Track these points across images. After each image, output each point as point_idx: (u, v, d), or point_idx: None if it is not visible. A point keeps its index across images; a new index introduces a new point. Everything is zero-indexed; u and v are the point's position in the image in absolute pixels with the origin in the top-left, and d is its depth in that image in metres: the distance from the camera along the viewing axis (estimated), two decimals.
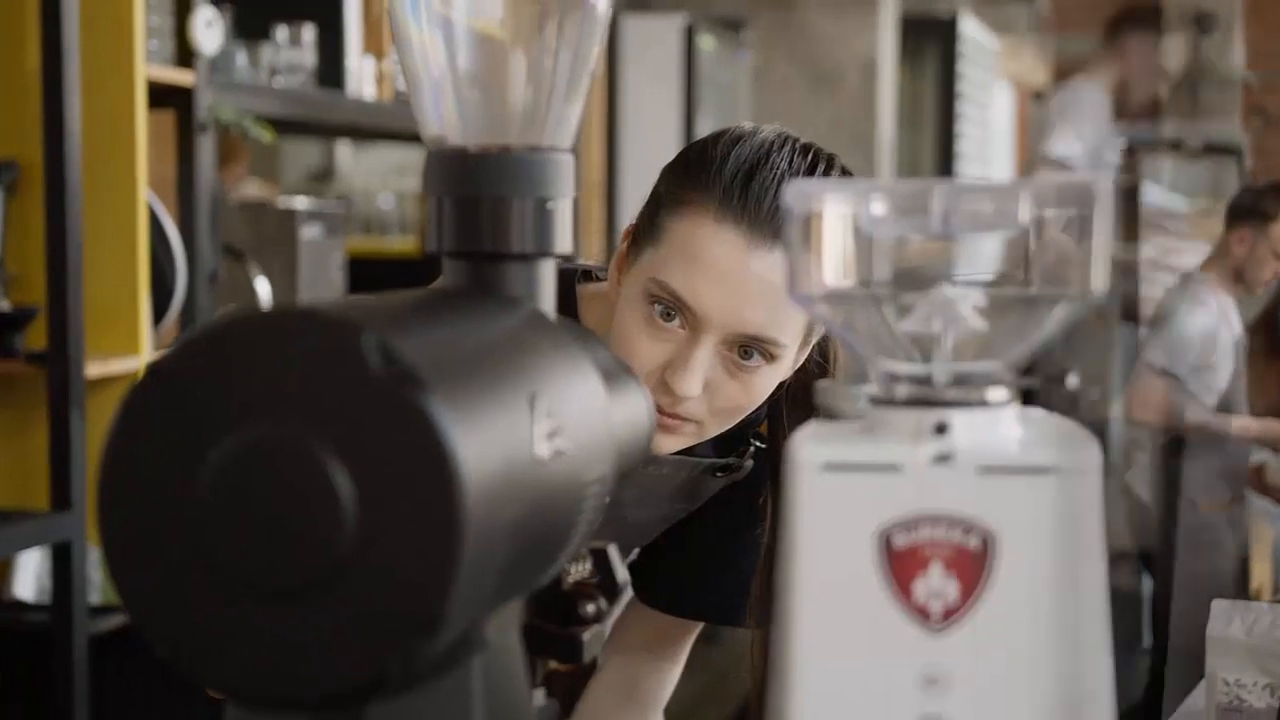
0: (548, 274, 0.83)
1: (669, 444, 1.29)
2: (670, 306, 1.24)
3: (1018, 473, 0.67)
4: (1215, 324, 4.31)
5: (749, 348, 1.24)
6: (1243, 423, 4.40)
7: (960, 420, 0.69)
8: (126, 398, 0.63)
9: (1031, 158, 4.48)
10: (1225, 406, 4.41)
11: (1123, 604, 4.01)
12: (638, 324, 1.25)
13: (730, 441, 1.40)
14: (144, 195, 2.53)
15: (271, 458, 0.62)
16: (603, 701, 1.51)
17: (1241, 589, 4.44)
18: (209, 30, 2.66)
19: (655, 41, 5.17)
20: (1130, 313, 4.89)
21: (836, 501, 0.68)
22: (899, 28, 6.09)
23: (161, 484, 0.63)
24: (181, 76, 2.67)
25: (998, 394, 0.71)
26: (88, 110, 2.45)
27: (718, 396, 1.26)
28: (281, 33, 3.08)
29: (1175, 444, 4.44)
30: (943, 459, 0.68)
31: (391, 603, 0.61)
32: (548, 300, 0.83)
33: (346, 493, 0.61)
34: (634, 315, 1.25)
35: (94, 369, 2.45)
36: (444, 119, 0.83)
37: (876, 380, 0.73)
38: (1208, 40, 4.62)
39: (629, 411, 0.85)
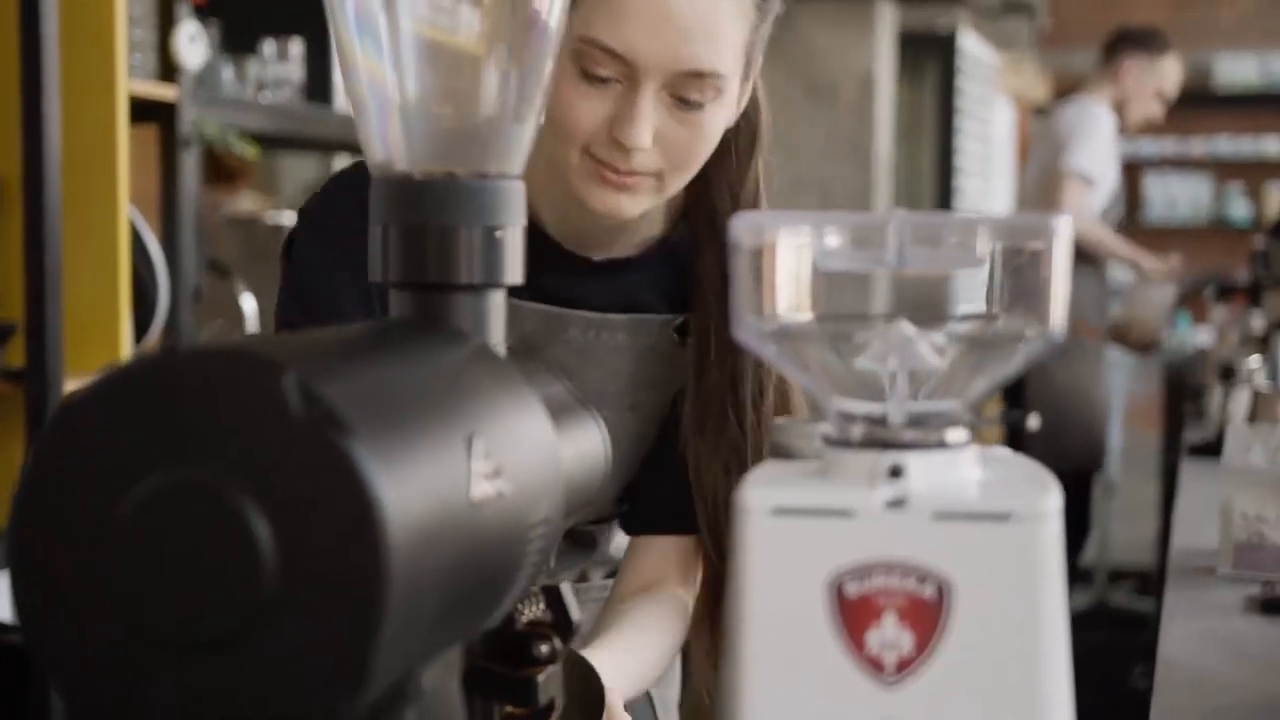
0: (497, 305, 0.80)
1: (630, 204, 1.26)
2: (601, 63, 1.20)
3: (975, 519, 0.65)
4: (1110, 138, 4.49)
5: (690, 90, 1.21)
6: (1119, 245, 4.59)
7: (916, 463, 0.66)
8: (39, 437, 0.60)
9: (1046, 173, 4.46)
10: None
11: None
12: (571, 88, 1.21)
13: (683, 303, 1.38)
14: (126, 211, 2.50)
15: (187, 502, 0.59)
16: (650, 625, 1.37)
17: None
18: (192, 45, 2.64)
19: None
20: (1120, 336, 4.89)
21: (787, 548, 0.66)
22: (897, 43, 6.07)
23: (74, 529, 0.60)
24: (164, 91, 2.64)
25: (956, 435, 0.68)
26: (69, 125, 2.42)
27: (671, 146, 1.23)
28: (269, 47, 3.06)
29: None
30: (897, 504, 0.65)
31: (313, 655, 0.58)
32: (496, 332, 0.80)
33: (265, 540, 0.58)
34: (566, 82, 1.22)
35: (73, 386, 2.42)
36: (389, 144, 0.81)
37: (831, 420, 0.70)
38: None
39: (580, 446, 0.82)
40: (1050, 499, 0.65)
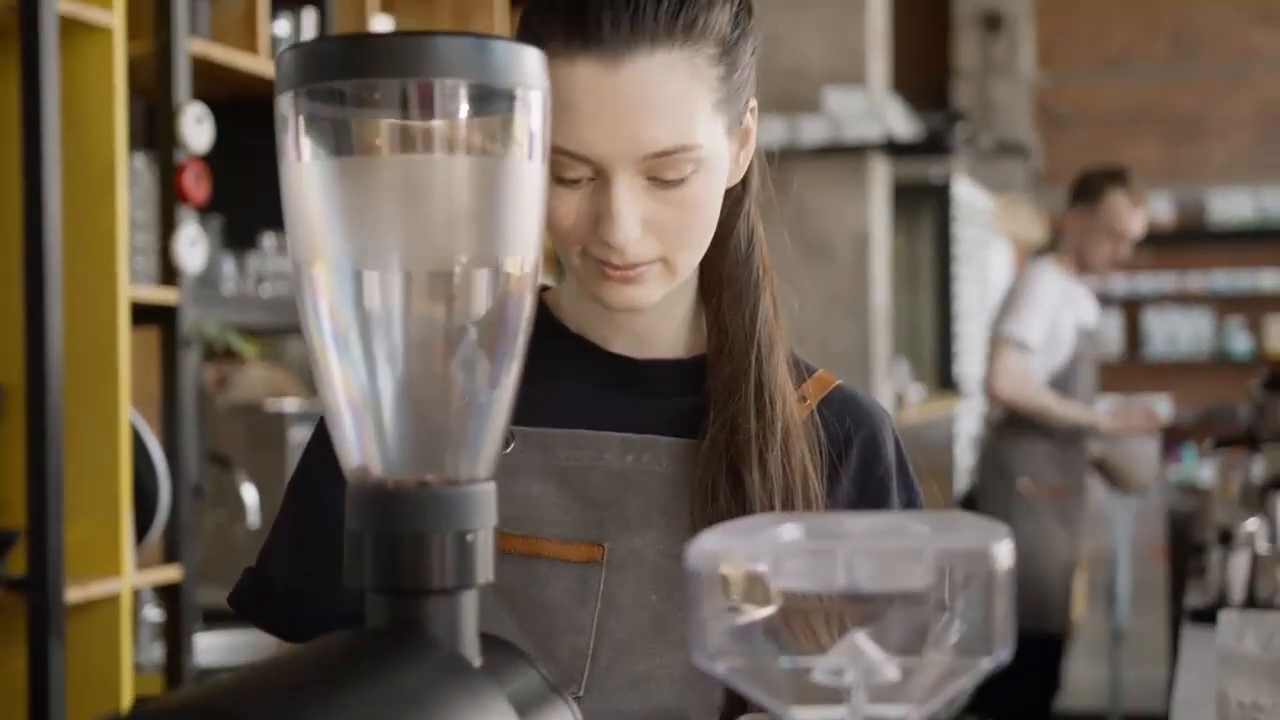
0: (469, 606, 0.82)
1: (642, 295, 1.20)
2: (568, 166, 1.14)
3: None
4: (1058, 303, 4.43)
5: (665, 170, 1.14)
6: (1065, 410, 4.40)
7: None
8: None
9: (993, 335, 4.48)
10: (1059, 391, 4.49)
11: None
12: (552, 195, 1.15)
13: None
14: (127, 415, 2.53)
15: None
16: None
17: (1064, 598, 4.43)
18: (193, 248, 2.69)
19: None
20: (1108, 477, 4.87)
21: None
22: (892, 197, 6.15)
23: None
24: (166, 295, 2.69)
25: None
26: (71, 332, 2.46)
27: (664, 229, 1.16)
28: (268, 240, 3.12)
29: (1007, 422, 4.47)
30: None
31: None
32: (469, 631, 0.82)
33: None
34: (548, 191, 1.21)
35: (75, 594, 2.44)
36: (364, 452, 0.83)
37: None
38: None
39: None
40: None
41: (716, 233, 1.23)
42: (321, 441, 1.32)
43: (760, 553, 0.71)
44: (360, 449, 0.84)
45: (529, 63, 0.81)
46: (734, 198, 1.27)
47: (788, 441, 1.23)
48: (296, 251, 0.82)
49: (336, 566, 1.06)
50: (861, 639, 0.71)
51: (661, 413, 1.27)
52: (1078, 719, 6.13)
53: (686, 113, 1.14)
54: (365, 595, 0.82)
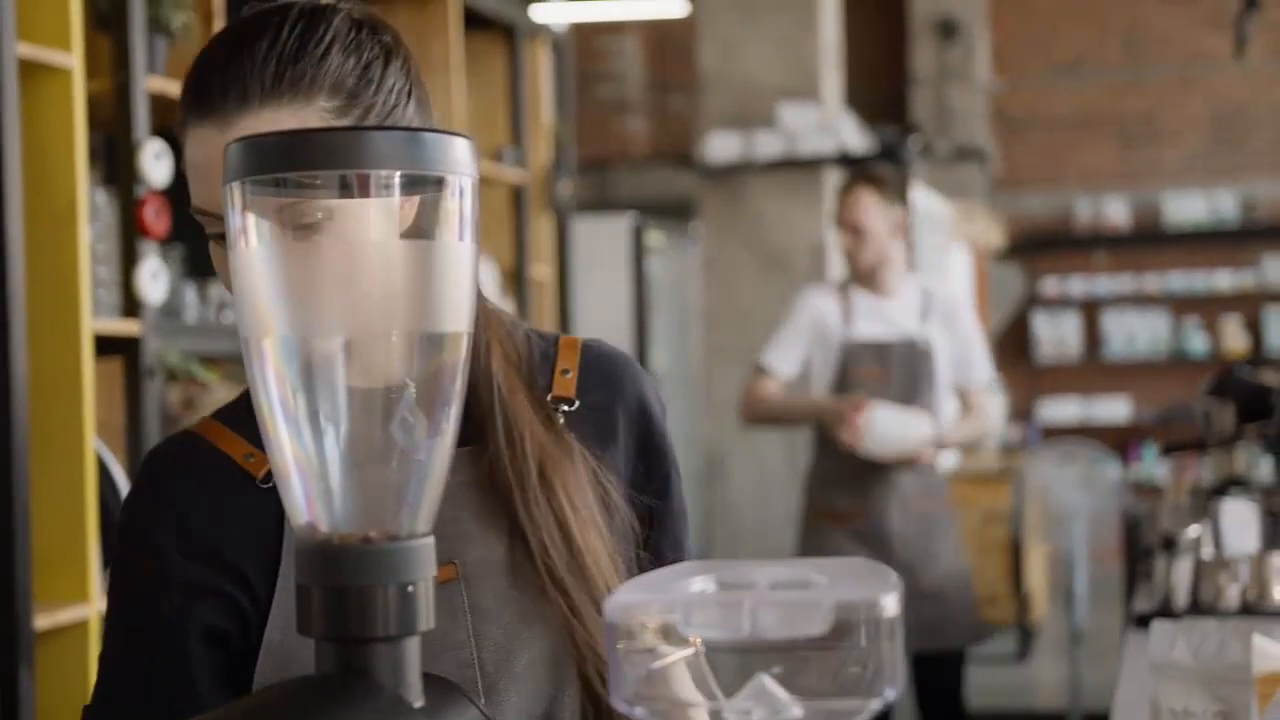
0: (412, 651, 0.89)
1: None
2: (211, 224, 1.22)
3: None
4: (807, 324, 4.22)
5: (298, 217, 1.11)
6: (953, 431, 4.23)
7: None
8: None
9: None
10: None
11: None
12: (212, 253, 1.23)
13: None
14: (91, 444, 2.59)
15: None
16: None
17: None
18: (154, 281, 2.75)
19: (605, 240, 5.29)
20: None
21: None
22: None
23: None
24: (128, 327, 2.75)
25: None
26: (35, 364, 2.51)
27: None
28: None
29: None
30: None
31: None
32: (412, 674, 0.89)
33: None
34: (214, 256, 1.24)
35: (43, 621, 2.49)
36: (312, 510, 0.90)
37: None
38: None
39: None
40: None
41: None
42: (147, 553, 1.27)
43: (672, 605, 0.78)
44: (307, 507, 0.90)
45: (457, 151, 0.88)
46: None
47: (545, 470, 1.26)
48: (245, 326, 0.89)
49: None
50: (767, 681, 0.78)
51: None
52: (1038, 718, 6.23)
53: None
54: (316, 644, 0.89)
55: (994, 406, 4.31)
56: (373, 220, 0.88)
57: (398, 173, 0.87)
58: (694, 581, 0.81)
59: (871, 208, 4.12)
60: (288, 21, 1.22)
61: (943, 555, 4.29)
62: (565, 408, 1.31)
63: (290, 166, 0.87)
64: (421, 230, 0.89)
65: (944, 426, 4.25)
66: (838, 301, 4.28)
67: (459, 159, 0.89)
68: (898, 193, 4.19)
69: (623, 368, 1.36)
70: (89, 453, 2.58)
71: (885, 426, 4.04)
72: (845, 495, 4.22)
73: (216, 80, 1.20)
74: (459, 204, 0.89)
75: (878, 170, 4.30)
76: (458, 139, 0.89)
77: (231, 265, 0.89)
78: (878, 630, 0.75)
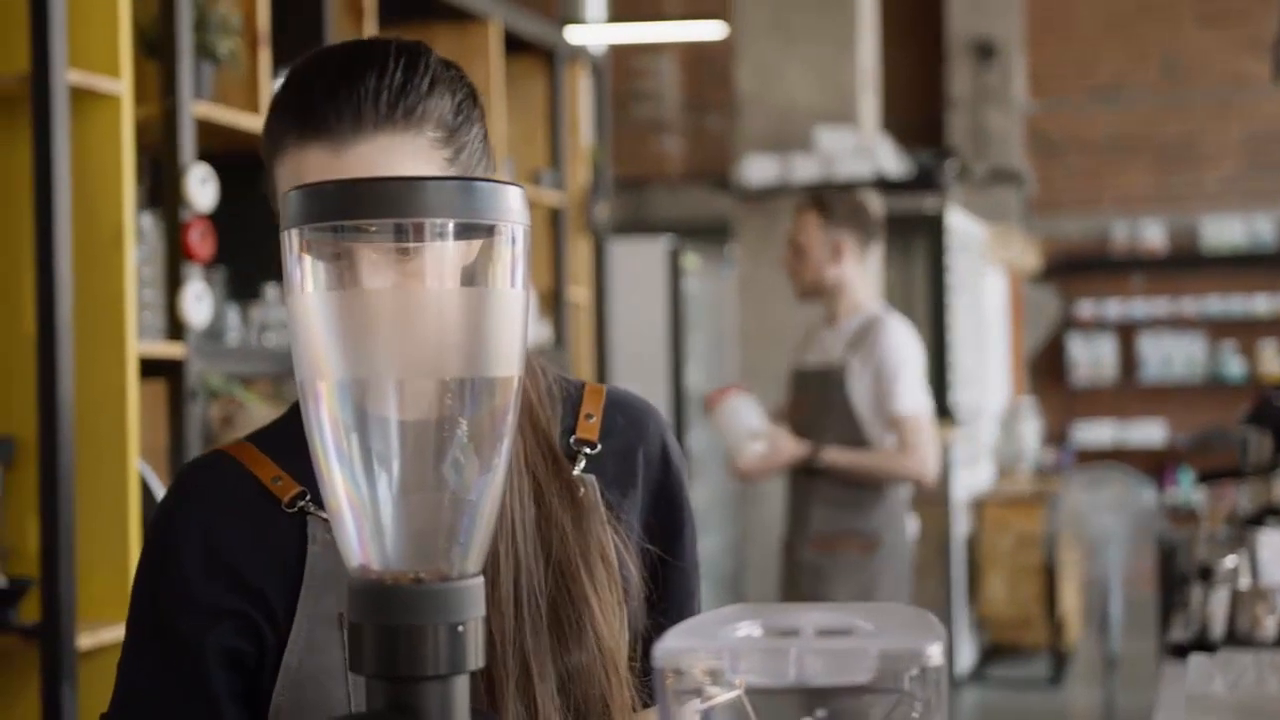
0: (461, 689, 0.91)
1: None
2: None
3: None
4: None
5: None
6: (833, 454, 3.97)
7: None
8: None
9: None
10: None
11: None
12: None
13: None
14: (136, 466, 2.62)
15: None
16: None
17: None
18: (198, 304, 2.78)
19: (642, 262, 5.31)
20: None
21: None
22: (884, 228, 6.23)
23: None
24: (172, 350, 2.78)
25: None
26: (81, 386, 2.55)
27: None
28: (272, 291, 3.21)
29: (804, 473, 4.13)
30: None
31: None
32: (461, 713, 0.91)
33: None
34: None
35: (86, 640, 2.52)
36: (364, 550, 0.92)
37: None
38: None
39: None
40: None
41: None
42: (170, 569, 1.29)
43: (719, 651, 0.79)
44: (360, 548, 0.92)
45: (510, 200, 0.90)
46: None
47: (545, 514, 1.28)
48: (301, 370, 0.91)
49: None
50: None
51: None
52: None
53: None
54: (366, 681, 0.91)
55: (927, 447, 3.99)
56: (426, 267, 0.90)
57: (452, 221, 0.89)
58: (740, 626, 0.82)
59: (811, 228, 4.11)
60: (391, 55, 1.23)
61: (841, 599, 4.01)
62: (588, 450, 1.32)
63: (348, 215, 0.89)
64: (474, 277, 0.91)
65: (824, 447, 4.01)
66: (804, 332, 4.32)
67: (511, 207, 0.91)
68: (847, 220, 4.12)
69: (646, 415, 1.38)
70: (133, 474, 2.61)
71: (728, 414, 4.00)
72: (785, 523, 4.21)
73: (328, 104, 1.21)
74: (511, 251, 0.91)
75: (830, 194, 4.29)
76: (510, 188, 0.91)
77: (289, 310, 0.91)
78: (924, 678, 0.77)
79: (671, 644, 0.80)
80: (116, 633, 2.60)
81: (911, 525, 4.30)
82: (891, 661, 0.77)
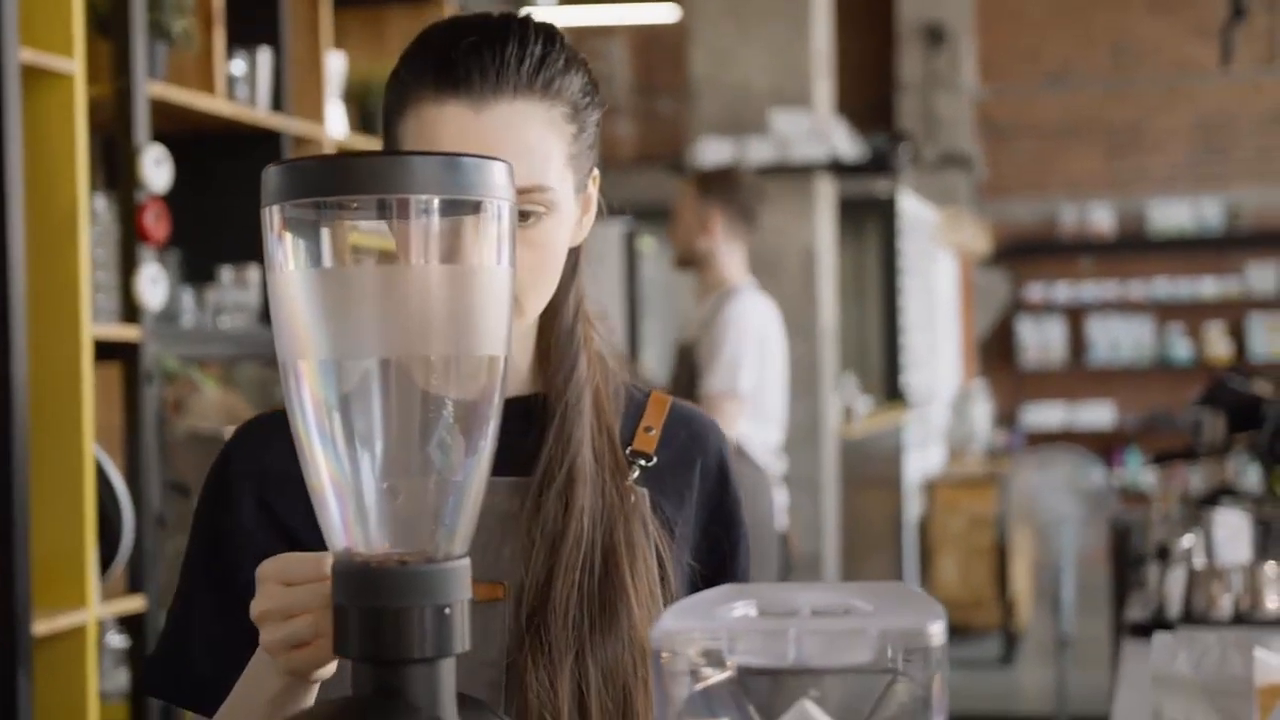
0: (448, 672, 0.89)
1: None
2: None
3: None
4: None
5: (522, 203, 1.19)
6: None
7: None
8: None
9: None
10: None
11: None
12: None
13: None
14: (91, 451, 2.58)
15: None
16: None
17: None
18: (154, 286, 2.75)
19: (597, 245, 5.26)
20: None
21: None
22: (837, 213, 6.24)
23: None
24: (127, 332, 2.74)
25: None
26: (35, 370, 2.51)
27: (518, 265, 1.18)
28: (226, 274, 3.17)
29: None
30: None
31: None
32: (447, 695, 0.89)
33: None
34: None
35: (41, 626, 2.49)
36: (349, 532, 0.90)
37: None
38: None
39: None
40: None
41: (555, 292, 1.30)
42: (216, 506, 1.32)
43: (716, 632, 0.78)
44: (344, 529, 0.91)
45: (495, 176, 0.88)
46: (571, 263, 1.33)
47: (570, 493, 1.27)
48: (282, 349, 0.89)
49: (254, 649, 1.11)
50: (810, 706, 0.79)
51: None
52: None
53: (543, 156, 1.23)
54: (352, 665, 0.89)
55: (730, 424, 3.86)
56: (410, 244, 0.88)
57: (436, 198, 0.87)
58: (735, 606, 0.81)
59: (686, 199, 4.17)
60: (531, 28, 1.25)
61: None
62: (643, 463, 1.32)
63: (330, 191, 0.87)
64: (458, 255, 0.89)
65: None
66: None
67: (497, 183, 0.89)
68: (720, 194, 4.13)
69: (708, 431, 1.38)
70: (88, 457, 2.58)
71: None
72: None
73: (472, 61, 1.21)
74: (497, 228, 0.89)
75: (713, 171, 4.41)
76: (495, 163, 0.89)
77: (269, 288, 0.89)
78: (925, 659, 0.76)
79: (668, 625, 0.78)
80: (73, 619, 2.57)
81: (780, 499, 4.23)
82: (891, 640, 0.76)
